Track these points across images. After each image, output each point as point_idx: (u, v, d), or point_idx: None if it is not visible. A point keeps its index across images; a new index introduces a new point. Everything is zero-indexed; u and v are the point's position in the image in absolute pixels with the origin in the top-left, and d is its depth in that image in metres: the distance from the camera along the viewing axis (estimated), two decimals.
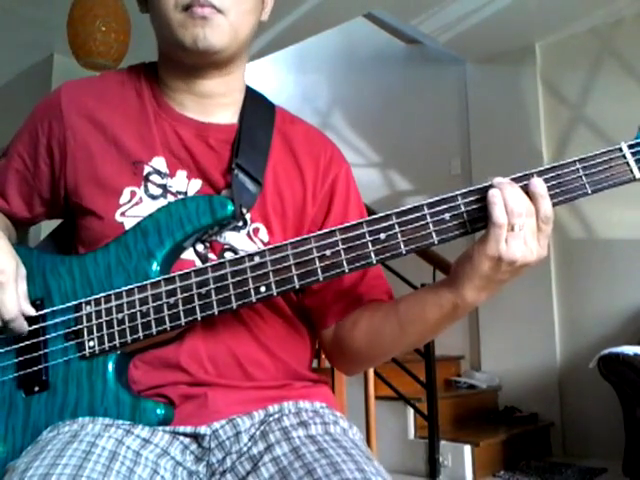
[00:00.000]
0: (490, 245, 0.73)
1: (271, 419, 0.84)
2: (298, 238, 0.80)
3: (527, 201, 0.73)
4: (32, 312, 0.84)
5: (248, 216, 0.89)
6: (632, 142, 0.76)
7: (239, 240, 0.88)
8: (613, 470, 2.98)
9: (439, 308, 0.80)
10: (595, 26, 3.73)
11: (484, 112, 4.14)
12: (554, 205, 0.75)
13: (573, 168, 0.75)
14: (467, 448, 3.03)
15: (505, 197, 0.73)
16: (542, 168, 0.76)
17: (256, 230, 0.90)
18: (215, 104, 0.94)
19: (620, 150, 0.76)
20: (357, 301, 0.93)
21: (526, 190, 0.74)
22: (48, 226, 1.01)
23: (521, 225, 0.72)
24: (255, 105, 0.98)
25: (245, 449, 0.81)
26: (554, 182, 0.75)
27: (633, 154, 0.75)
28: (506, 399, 3.78)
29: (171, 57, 0.92)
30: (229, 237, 0.88)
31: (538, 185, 0.74)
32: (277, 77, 5.39)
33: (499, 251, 0.72)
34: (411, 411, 3.22)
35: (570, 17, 3.67)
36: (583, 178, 0.75)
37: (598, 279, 3.59)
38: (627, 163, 0.75)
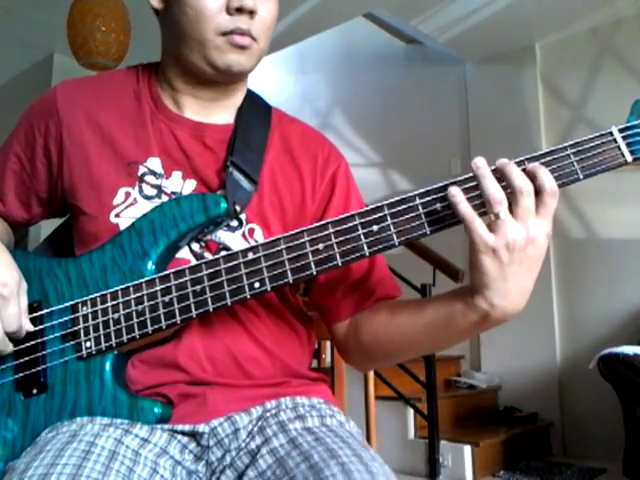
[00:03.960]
0: (475, 240, 0.71)
1: (268, 414, 0.84)
2: (291, 232, 0.79)
3: (519, 180, 0.71)
4: (31, 328, 0.84)
5: (243, 217, 0.89)
6: (623, 126, 0.75)
7: (234, 241, 0.88)
8: (613, 470, 2.98)
9: (465, 318, 0.77)
10: (595, 26, 3.73)
11: (484, 112, 4.14)
12: None
13: (564, 153, 0.74)
14: (467, 448, 3.03)
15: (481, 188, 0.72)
16: (534, 154, 0.74)
17: (251, 231, 0.89)
18: (215, 106, 0.95)
19: (611, 134, 0.74)
20: (369, 294, 0.92)
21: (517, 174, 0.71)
22: (48, 227, 1.01)
23: (504, 211, 0.70)
24: (252, 105, 0.98)
25: (243, 445, 0.81)
26: (547, 168, 0.73)
27: (624, 138, 0.74)
28: (506, 399, 3.78)
29: (186, 65, 0.91)
30: (224, 238, 0.88)
31: (535, 164, 0.72)
32: (277, 77, 5.39)
33: (486, 242, 0.70)
34: (411, 411, 3.21)
35: (570, 17, 3.67)
36: (575, 164, 0.74)
37: (598, 279, 3.59)
38: (618, 147, 0.74)
